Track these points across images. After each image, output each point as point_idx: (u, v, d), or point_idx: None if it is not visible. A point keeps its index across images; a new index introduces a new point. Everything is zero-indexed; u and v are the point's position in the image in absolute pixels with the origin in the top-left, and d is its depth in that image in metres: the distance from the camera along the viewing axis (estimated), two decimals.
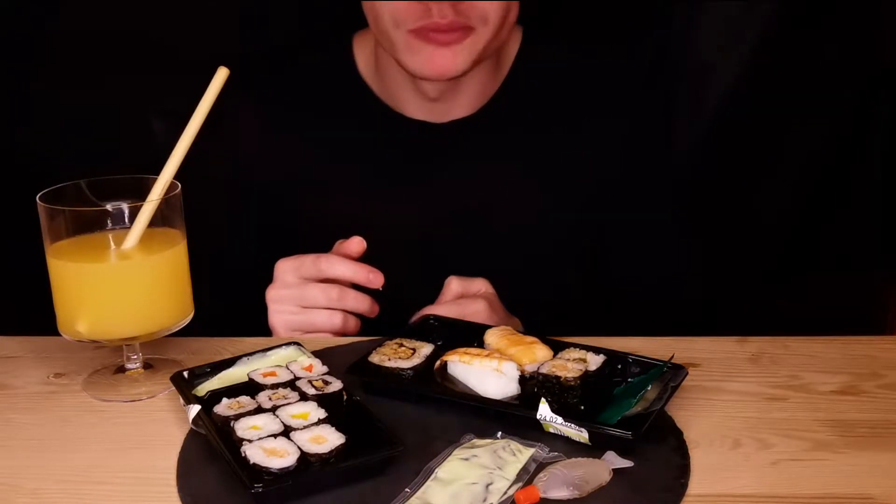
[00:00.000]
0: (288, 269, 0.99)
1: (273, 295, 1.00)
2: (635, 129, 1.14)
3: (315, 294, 0.98)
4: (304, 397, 0.78)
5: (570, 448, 0.75)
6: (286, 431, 0.73)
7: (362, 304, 0.99)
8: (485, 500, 0.68)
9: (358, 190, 1.13)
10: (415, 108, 1.11)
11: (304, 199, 1.14)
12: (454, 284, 1.01)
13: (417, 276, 1.02)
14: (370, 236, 1.02)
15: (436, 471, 0.71)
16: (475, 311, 0.98)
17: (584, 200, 1.14)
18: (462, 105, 1.11)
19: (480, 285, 1.01)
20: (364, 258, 1.00)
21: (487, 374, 0.81)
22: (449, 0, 0.96)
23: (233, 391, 0.80)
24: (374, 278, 0.97)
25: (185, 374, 0.84)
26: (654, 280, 1.17)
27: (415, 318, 0.98)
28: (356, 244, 1.00)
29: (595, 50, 1.17)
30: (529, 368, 0.82)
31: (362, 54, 1.14)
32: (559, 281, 1.15)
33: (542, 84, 1.13)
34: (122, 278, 0.86)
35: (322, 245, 1.04)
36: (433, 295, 1.00)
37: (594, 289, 1.17)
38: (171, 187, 0.87)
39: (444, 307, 0.98)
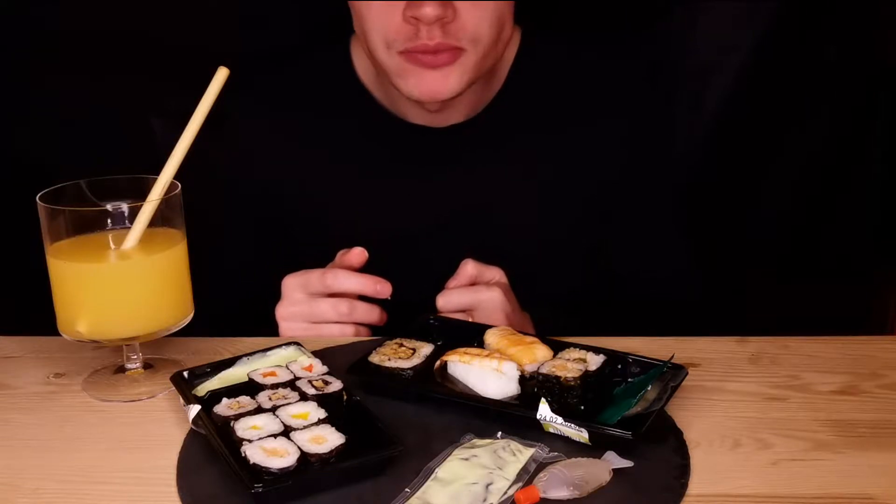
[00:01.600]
0: (295, 286, 0.99)
1: (283, 312, 0.99)
2: (635, 130, 1.14)
3: (325, 309, 0.98)
4: (304, 397, 0.78)
5: (570, 448, 0.75)
6: (286, 431, 0.73)
7: (372, 315, 0.99)
8: (485, 500, 0.68)
9: (357, 192, 1.13)
10: (414, 111, 1.11)
11: (303, 201, 1.14)
12: (470, 267, 1.00)
13: (417, 279, 1.02)
14: (370, 239, 1.02)
15: (436, 471, 0.71)
16: (490, 298, 0.97)
17: (584, 201, 1.13)
18: (461, 109, 1.10)
19: (495, 273, 1.01)
20: (365, 262, 1.00)
21: (487, 374, 0.81)
22: (437, 11, 0.96)
23: (233, 391, 0.80)
24: (382, 289, 0.97)
25: (185, 374, 0.84)
26: (655, 280, 1.17)
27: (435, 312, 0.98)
28: (357, 255, 1.00)
29: (595, 50, 1.17)
30: (529, 368, 0.82)
31: (361, 57, 1.13)
32: (561, 282, 1.15)
33: (542, 85, 1.13)
34: (122, 278, 0.86)
35: (321, 246, 1.04)
36: (434, 298, 1.00)
37: (596, 289, 1.17)
38: (171, 187, 0.87)
39: (459, 292, 0.98)
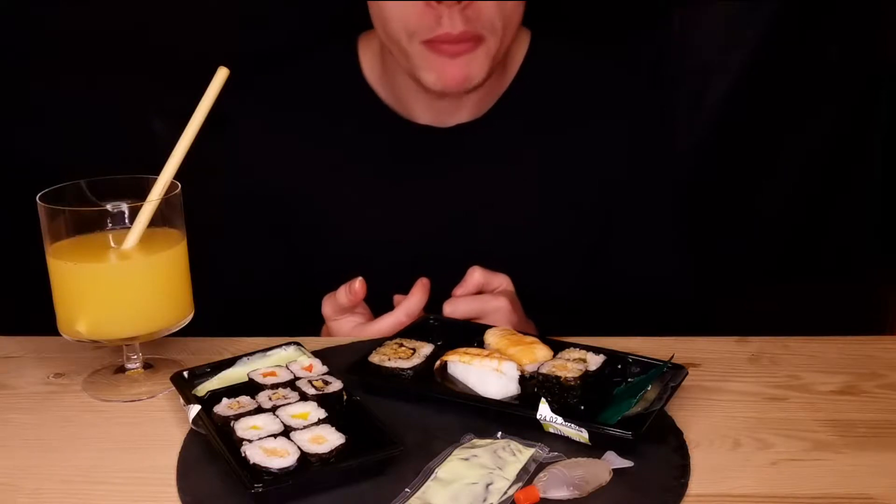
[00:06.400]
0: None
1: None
2: (636, 130, 1.14)
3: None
4: (304, 397, 0.78)
5: (570, 448, 0.75)
6: (286, 431, 0.73)
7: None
8: (485, 500, 0.68)
9: (360, 192, 1.13)
10: (420, 111, 1.11)
11: (305, 200, 1.14)
12: (477, 275, 0.99)
13: (419, 278, 1.01)
14: (373, 239, 1.02)
15: (436, 471, 0.71)
16: (497, 307, 0.97)
17: (586, 201, 1.13)
18: (468, 108, 1.10)
19: (502, 280, 1.01)
20: (368, 263, 1.00)
21: (487, 374, 0.81)
22: (458, 2, 0.96)
23: (233, 391, 0.80)
24: (359, 288, 0.97)
25: (185, 374, 0.84)
26: (655, 280, 1.17)
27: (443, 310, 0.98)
28: (360, 289, 0.98)
29: (597, 51, 1.17)
30: (529, 368, 0.82)
31: (367, 57, 1.13)
32: (562, 281, 1.15)
33: (547, 86, 1.13)
34: (122, 278, 0.86)
35: (323, 245, 1.04)
36: (436, 297, 1.00)
37: (595, 289, 1.17)
38: (171, 187, 0.87)
39: (465, 300, 0.98)
